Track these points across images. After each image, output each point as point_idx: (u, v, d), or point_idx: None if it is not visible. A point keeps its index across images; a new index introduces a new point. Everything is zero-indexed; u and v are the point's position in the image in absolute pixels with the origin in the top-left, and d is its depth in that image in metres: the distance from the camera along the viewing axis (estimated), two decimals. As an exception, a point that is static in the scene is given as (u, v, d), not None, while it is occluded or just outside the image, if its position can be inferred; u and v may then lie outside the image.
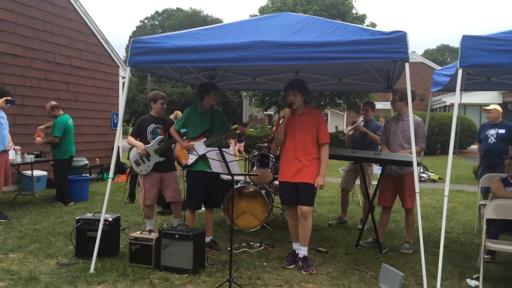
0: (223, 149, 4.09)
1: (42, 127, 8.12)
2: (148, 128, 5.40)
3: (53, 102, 8.12)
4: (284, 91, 4.74)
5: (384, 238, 5.64)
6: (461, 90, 3.87)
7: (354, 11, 24.54)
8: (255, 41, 4.16)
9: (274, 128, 4.86)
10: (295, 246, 4.79)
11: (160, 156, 5.33)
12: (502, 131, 6.63)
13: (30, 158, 8.06)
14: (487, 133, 6.77)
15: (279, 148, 4.91)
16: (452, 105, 26.36)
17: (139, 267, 4.50)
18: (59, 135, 7.75)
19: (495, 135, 6.64)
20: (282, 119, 4.63)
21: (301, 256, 4.63)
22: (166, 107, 5.53)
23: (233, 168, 4.19)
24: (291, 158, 4.64)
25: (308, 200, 4.61)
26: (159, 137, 5.37)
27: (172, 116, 8.36)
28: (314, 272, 4.47)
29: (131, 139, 5.44)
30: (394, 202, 5.56)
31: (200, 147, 5.09)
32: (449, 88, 5.50)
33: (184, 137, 5.28)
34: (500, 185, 5.08)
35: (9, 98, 6.75)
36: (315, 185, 4.59)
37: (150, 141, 5.36)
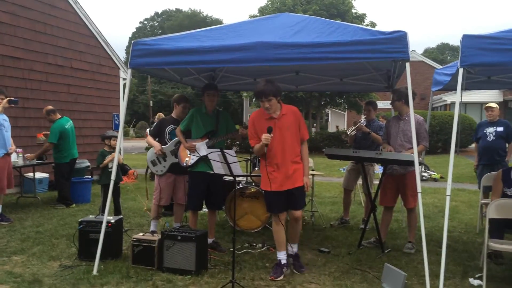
0: (225, 150, 4.10)
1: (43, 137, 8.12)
2: (167, 129, 5.46)
3: (49, 107, 8.14)
4: (257, 99, 4.45)
5: (386, 238, 5.64)
6: (462, 90, 3.87)
7: (353, 11, 24.60)
8: (256, 42, 4.17)
9: (248, 137, 4.53)
10: (280, 255, 4.50)
11: (176, 157, 5.35)
12: (500, 128, 6.74)
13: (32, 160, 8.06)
14: (485, 131, 6.85)
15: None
16: (452, 103, 26.36)
17: (142, 269, 4.51)
18: (54, 141, 7.76)
19: (493, 133, 6.73)
20: (263, 144, 4.23)
21: (293, 254, 4.61)
22: (188, 111, 5.47)
23: (235, 169, 4.19)
24: (281, 165, 4.35)
25: (303, 203, 4.60)
26: (176, 138, 5.38)
27: (155, 118, 8.26)
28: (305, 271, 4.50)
29: (149, 138, 5.55)
30: (396, 202, 5.56)
31: (202, 148, 5.10)
32: (450, 87, 5.50)
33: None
34: (499, 184, 5.03)
35: (12, 98, 6.75)
36: (305, 187, 4.45)
37: (168, 142, 5.41)
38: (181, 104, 5.53)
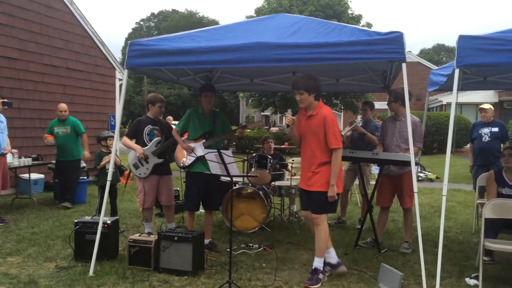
0: (222, 151, 4.09)
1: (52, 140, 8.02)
2: (145, 129, 5.39)
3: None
4: (292, 89, 4.48)
5: (383, 238, 5.65)
6: (458, 90, 3.89)
7: (349, 12, 24.59)
8: (253, 42, 4.17)
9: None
10: (316, 261, 4.36)
11: (159, 157, 5.32)
12: (495, 129, 6.79)
13: (27, 161, 8.03)
14: (480, 132, 6.88)
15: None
16: (448, 104, 26.45)
17: (138, 270, 4.50)
18: (83, 130, 8.03)
19: (489, 134, 6.77)
20: (290, 128, 4.47)
21: (313, 268, 4.34)
22: (164, 110, 5.53)
23: (232, 170, 4.19)
24: (304, 164, 4.45)
25: (319, 209, 4.30)
26: (156, 138, 5.36)
27: None
28: None
29: (126, 140, 5.40)
30: (392, 202, 5.57)
31: (199, 148, 5.10)
32: (446, 87, 5.52)
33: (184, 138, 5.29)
34: (493, 185, 5.07)
35: (5, 100, 6.72)
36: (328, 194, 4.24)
37: (147, 143, 5.35)
38: (156, 104, 5.46)
